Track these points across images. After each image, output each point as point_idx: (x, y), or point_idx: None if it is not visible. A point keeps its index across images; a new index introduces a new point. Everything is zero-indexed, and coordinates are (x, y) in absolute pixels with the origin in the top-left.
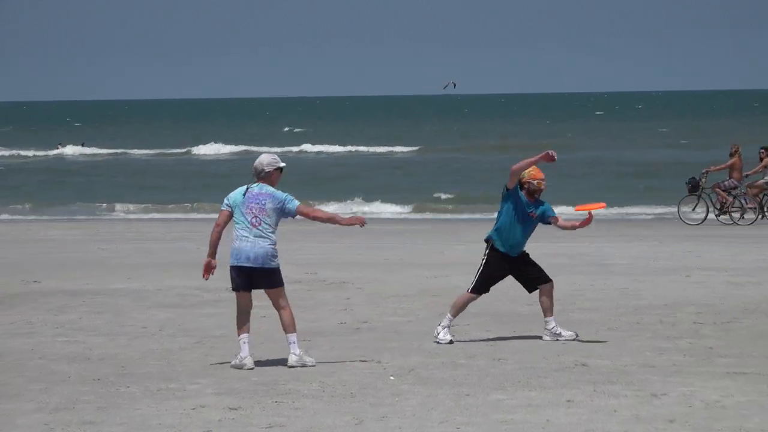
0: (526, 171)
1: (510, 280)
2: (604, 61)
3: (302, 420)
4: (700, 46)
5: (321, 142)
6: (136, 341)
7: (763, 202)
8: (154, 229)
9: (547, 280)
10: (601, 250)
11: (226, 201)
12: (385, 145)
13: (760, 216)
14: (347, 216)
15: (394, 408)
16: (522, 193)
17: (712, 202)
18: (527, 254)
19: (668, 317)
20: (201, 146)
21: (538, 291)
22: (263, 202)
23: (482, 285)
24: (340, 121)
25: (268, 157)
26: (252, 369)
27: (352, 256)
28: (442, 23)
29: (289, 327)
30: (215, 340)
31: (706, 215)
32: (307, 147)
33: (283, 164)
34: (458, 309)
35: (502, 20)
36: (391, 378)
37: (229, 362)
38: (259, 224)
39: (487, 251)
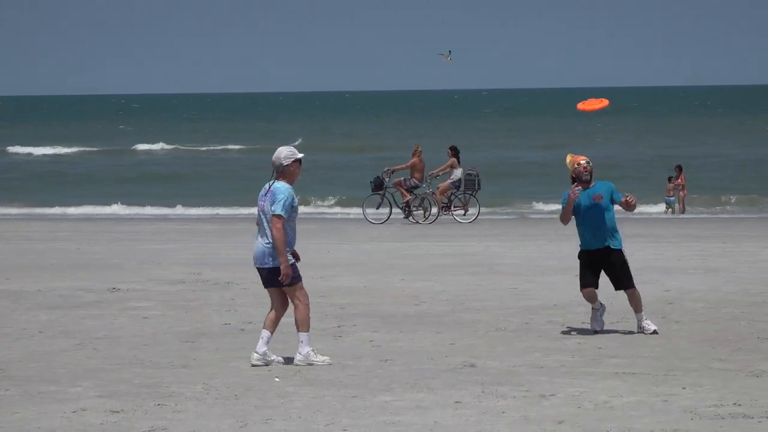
0: (570, 162)
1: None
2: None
3: (185, 423)
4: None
5: (150, 141)
6: (16, 343)
7: (451, 201)
8: (33, 228)
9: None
10: (490, 250)
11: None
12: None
13: (444, 214)
14: (287, 259)
15: (279, 410)
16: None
17: (396, 201)
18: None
19: (557, 317)
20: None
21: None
22: (265, 199)
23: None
24: (188, 119)
25: (285, 150)
26: (252, 365)
27: (237, 256)
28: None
29: (298, 324)
30: (97, 342)
31: (390, 214)
32: (139, 146)
33: (300, 155)
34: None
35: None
36: (276, 379)
37: (111, 365)
38: (261, 222)
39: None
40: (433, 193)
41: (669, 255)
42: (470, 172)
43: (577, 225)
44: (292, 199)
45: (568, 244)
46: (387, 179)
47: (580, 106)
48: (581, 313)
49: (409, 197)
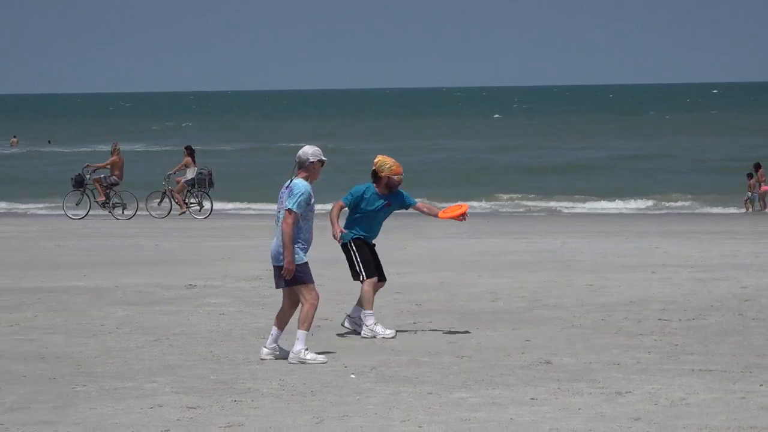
0: (387, 166)
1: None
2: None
3: (261, 419)
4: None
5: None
6: (93, 339)
7: (187, 198)
8: (112, 225)
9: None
10: (566, 246)
11: None
12: None
13: (180, 212)
14: (292, 255)
15: (355, 407)
16: (374, 189)
17: (94, 196)
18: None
19: (634, 314)
20: None
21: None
22: (283, 196)
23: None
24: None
25: (311, 148)
26: (261, 359)
27: (312, 252)
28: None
29: (299, 321)
30: (174, 338)
31: (89, 209)
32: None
33: (325, 158)
34: (369, 300)
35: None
36: (352, 376)
37: (187, 361)
38: (278, 220)
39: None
40: (172, 190)
41: (745, 252)
42: (202, 171)
43: (360, 219)
44: (309, 196)
45: (643, 240)
46: (88, 176)
47: (441, 214)
48: (658, 309)
49: (103, 197)
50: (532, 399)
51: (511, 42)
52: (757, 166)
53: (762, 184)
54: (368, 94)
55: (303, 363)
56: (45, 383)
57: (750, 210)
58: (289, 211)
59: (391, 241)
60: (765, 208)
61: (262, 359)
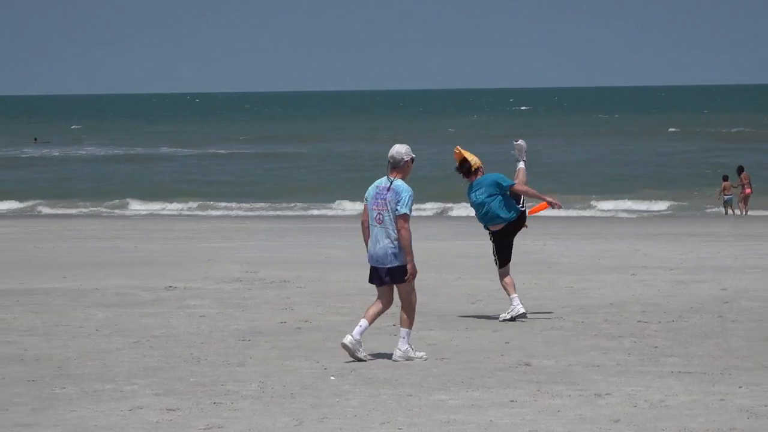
0: (477, 159)
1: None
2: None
3: (241, 421)
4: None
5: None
6: (73, 342)
7: None
8: (92, 226)
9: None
10: (547, 249)
11: (365, 195)
12: None
13: None
14: (413, 258)
15: (335, 409)
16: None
17: None
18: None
19: (613, 316)
20: None
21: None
22: (385, 197)
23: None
24: None
25: (404, 147)
26: (342, 344)
27: (293, 254)
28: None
29: (401, 321)
30: (154, 340)
31: None
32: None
33: (414, 155)
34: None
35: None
36: (332, 378)
37: (167, 363)
38: (382, 221)
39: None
40: None
41: (725, 254)
42: None
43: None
44: (412, 196)
45: (623, 243)
46: None
47: (530, 212)
48: (637, 311)
49: None
50: (511, 401)
51: (511, 42)
52: (740, 169)
53: (745, 186)
54: (366, 95)
55: (410, 360)
56: (24, 385)
57: (731, 213)
58: (405, 216)
59: None
60: (746, 211)
61: (342, 344)
